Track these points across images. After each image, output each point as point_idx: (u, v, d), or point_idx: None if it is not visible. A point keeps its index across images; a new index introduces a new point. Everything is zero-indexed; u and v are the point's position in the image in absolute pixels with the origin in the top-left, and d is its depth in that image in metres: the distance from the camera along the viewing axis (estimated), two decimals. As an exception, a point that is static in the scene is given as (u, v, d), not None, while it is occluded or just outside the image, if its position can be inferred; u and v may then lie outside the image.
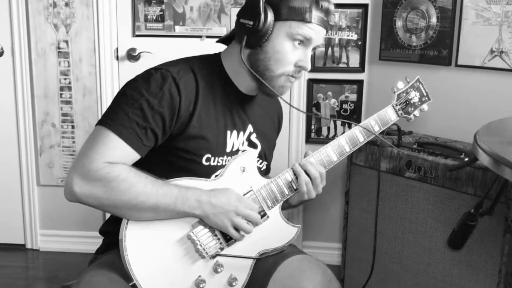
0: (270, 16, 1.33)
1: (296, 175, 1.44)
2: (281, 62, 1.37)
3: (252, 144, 1.51)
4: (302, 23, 1.34)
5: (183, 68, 1.37)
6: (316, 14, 1.35)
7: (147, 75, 1.34)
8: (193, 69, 1.39)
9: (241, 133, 1.47)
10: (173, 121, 1.33)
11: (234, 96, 1.45)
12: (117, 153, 1.27)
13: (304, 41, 1.37)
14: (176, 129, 1.34)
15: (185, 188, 1.31)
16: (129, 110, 1.29)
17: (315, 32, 1.36)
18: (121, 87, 1.37)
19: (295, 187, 1.45)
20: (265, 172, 1.59)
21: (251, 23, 1.33)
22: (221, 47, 1.49)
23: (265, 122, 1.57)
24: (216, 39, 1.50)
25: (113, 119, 1.29)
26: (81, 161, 1.26)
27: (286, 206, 1.51)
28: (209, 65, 1.44)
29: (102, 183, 1.24)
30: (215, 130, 1.40)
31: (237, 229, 1.36)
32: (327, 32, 1.43)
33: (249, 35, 1.35)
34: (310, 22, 1.34)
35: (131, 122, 1.28)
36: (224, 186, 1.37)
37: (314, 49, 1.44)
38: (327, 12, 1.38)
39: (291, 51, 1.37)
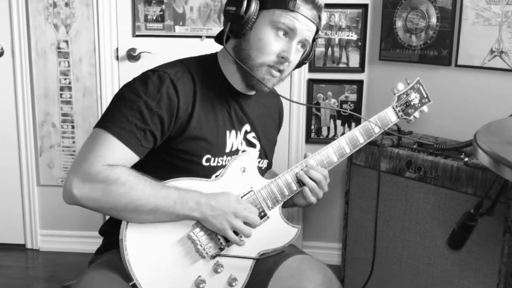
0: (255, 3, 1.34)
1: (296, 177, 1.45)
2: (262, 50, 1.35)
3: (250, 144, 1.51)
4: (285, 12, 1.33)
5: (181, 70, 1.37)
6: (300, 4, 1.34)
7: (145, 77, 1.34)
8: (190, 70, 1.39)
9: (238, 132, 1.47)
10: (172, 122, 1.33)
11: (231, 96, 1.45)
12: (116, 156, 1.27)
13: (289, 32, 1.36)
14: (175, 131, 1.34)
15: (184, 191, 1.31)
16: (127, 113, 1.29)
17: (299, 22, 1.35)
18: (118, 89, 1.38)
19: (295, 188, 1.45)
20: (266, 168, 1.59)
21: (234, 8, 1.33)
22: (220, 47, 1.49)
23: (265, 120, 1.57)
24: (214, 38, 1.49)
25: (112, 121, 1.29)
26: (80, 164, 1.26)
27: (291, 204, 1.52)
28: (206, 65, 1.44)
29: (101, 186, 1.24)
30: (214, 130, 1.40)
31: (236, 232, 1.36)
32: (318, 29, 1.42)
33: (232, 21, 1.35)
34: (293, 11, 1.33)
35: (129, 124, 1.28)
36: (224, 187, 1.38)
37: (304, 46, 1.41)
38: (313, 3, 1.36)
39: (274, 40, 1.35)
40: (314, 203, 1.47)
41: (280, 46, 1.36)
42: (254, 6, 1.34)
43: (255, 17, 1.34)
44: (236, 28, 1.36)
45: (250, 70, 1.36)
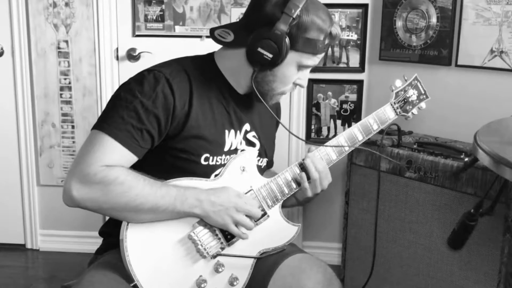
0: (287, 47, 1.34)
1: (297, 173, 1.45)
2: (284, 83, 1.42)
3: (249, 143, 1.51)
4: (312, 55, 1.38)
5: (176, 69, 1.37)
6: (326, 44, 1.39)
7: (140, 77, 1.35)
8: (186, 69, 1.39)
9: (238, 132, 1.47)
10: (168, 121, 1.33)
11: (230, 95, 1.45)
12: (114, 156, 1.27)
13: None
14: (173, 130, 1.34)
15: (184, 188, 1.31)
16: (123, 113, 1.29)
17: (319, 59, 1.42)
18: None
19: (295, 186, 1.45)
20: (267, 167, 1.60)
21: (270, 56, 1.34)
22: (216, 46, 1.48)
23: (264, 118, 1.58)
24: (213, 34, 1.43)
25: (109, 122, 1.29)
26: (79, 166, 1.26)
27: (294, 203, 1.53)
28: (203, 65, 1.44)
29: (100, 187, 1.24)
30: (213, 129, 1.40)
31: (238, 226, 1.36)
32: None
33: (264, 64, 1.36)
34: (319, 53, 1.39)
35: (126, 125, 1.28)
36: (224, 186, 1.37)
37: None
38: (336, 37, 1.42)
39: (295, 74, 1.41)
40: (311, 195, 1.47)
41: (297, 76, 1.42)
42: (286, 51, 1.34)
43: (285, 58, 1.36)
44: (264, 67, 1.37)
45: (270, 96, 1.43)
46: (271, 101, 1.45)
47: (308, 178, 1.45)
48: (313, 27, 1.34)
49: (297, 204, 1.55)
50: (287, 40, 1.32)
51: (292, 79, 1.42)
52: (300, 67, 1.40)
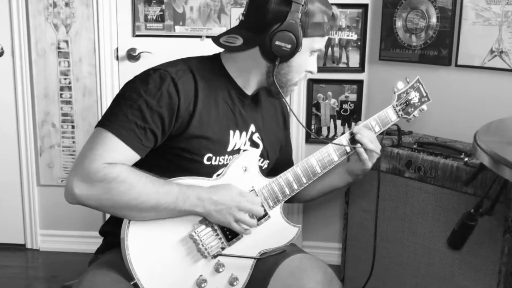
0: (301, 34, 1.37)
1: (351, 150, 1.52)
2: (299, 72, 1.44)
3: (254, 144, 1.51)
4: (321, 38, 1.42)
5: (182, 69, 1.37)
6: (331, 25, 1.43)
7: (146, 75, 1.35)
8: (192, 69, 1.39)
9: (244, 133, 1.47)
10: (172, 121, 1.33)
11: (236, 96, 1.45)
12: (117, 154, 1.27)
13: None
14: (176, 129, 1.34)
15: (186, 187, 1.31)
16: (128, 111, 1.29)
17: (325, 41, 1.45)
18: (120, 88, 1.38)
19: (296, 187, 1.45)
20: (267, 169, 1.60)
21: (289, 46, 1.35)
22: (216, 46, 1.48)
23: (269, 120, 1.58)
24: (218, 41, 1.43)
25: (112, 120, 1.29)
26: (81, 163, 1.26)
27: (350, 181, 1.62)
28: (209, 65, 1.44)
29: (102, 185, 1.24)
30: (216, 129, 1.40)
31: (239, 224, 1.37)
32: None
33: (284, 56, 1.38)
34: (326, 34, 1.42)
35: (130, 123, 1.28)
36: (226, 184, 1.38)
37: None
38: (337, 18, 1.46)
39: (307, 61, 1.44)
40: (370, 167, 1.55)
41: (309, 63, 1.45)
42: (302, 39, 1.37)
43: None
44: (284, 59, 1.39)
45: (285, 87, 1.45)
46: (286, 94, 1.48)
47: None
48: (318, 11, 1.37)
49: (352, 181, 1.63)
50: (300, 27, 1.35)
51: (305, 66, 1.45)
52: (312, 52, 1.43)
